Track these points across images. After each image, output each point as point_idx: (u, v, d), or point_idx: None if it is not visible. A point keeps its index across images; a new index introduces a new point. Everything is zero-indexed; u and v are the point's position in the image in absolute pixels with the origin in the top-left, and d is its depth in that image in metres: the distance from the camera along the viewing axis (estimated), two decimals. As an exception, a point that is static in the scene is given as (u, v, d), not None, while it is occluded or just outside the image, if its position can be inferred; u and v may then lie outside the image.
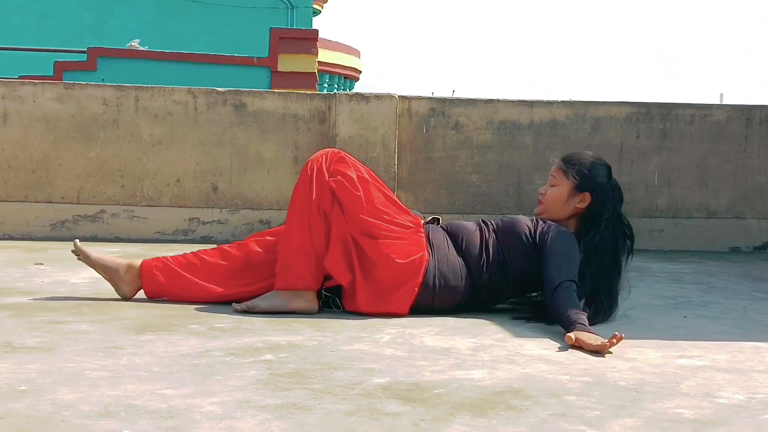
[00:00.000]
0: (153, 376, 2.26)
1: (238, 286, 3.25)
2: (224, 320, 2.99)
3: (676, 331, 3.06)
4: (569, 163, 3.31)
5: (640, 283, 4.18)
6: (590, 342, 2.70)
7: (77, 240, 3.34)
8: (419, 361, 2.51)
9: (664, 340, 2.89)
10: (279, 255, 3.17)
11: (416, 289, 3.12)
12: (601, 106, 5.74)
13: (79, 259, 3.31)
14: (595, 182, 3.26)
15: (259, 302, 3.15)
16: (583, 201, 3.27)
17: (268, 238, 3.30)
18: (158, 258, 3.31)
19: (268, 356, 2.50)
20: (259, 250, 3.27)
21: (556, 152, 5.65)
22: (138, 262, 3.30)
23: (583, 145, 5.68)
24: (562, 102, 5.73)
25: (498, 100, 5.71)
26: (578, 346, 2.72)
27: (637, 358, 2.61)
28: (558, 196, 3.29)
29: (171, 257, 3.30)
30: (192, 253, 3.32)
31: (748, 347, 2.82)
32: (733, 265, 5.01)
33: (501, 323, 3.07)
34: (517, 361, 2.55)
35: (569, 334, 2.75)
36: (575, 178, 3.27)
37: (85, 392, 2.10)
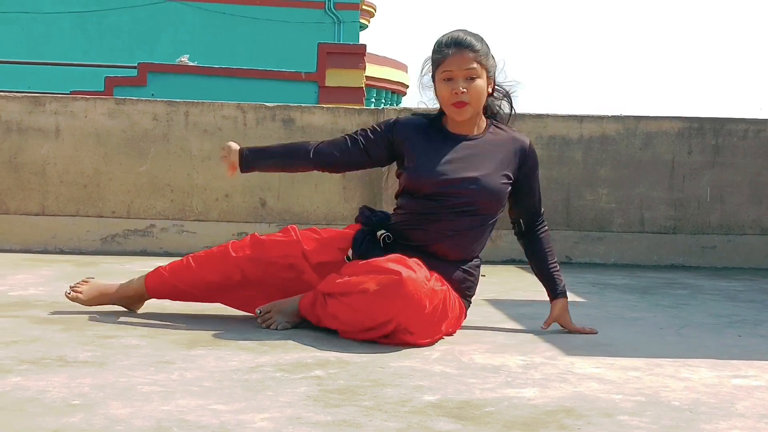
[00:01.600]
0: (204, 391, 2.26)
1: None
2: (273, 335, 2.99)
3: (731, 350, 3.01)
4: (476, 48, 2.90)
5: (692, 301, 4.13)
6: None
7: (71, 291, 3.31)
8: (469, 378, 2.49)
9: (719, 359, 2.84)
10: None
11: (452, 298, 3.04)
12: (653, 121, 5.68)
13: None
14: (491, 57, 2.92)
15: (282, 317, 3.11)
16: (490, 84, 2.98)
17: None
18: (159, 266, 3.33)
19: (318, 372, 2.50)
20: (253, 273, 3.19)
21: (606, 167, 5.61)
22: (123, 280, 3.35)
23: (633, 161, 5.64)
24: (613, 117, 5.68)
25: (547, 115, 5.67)
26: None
27: (691, 378, 2.57)
28: (482, 88, 2.95)
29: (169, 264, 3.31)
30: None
31: (805, 367, 2.77)
32: (787, 283, 4.93)
33: (551, 340, 3.05)
34: (568, 379, 2.52)
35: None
36: (491, 61, 2.91)
37: (137, 407, 2.11)
